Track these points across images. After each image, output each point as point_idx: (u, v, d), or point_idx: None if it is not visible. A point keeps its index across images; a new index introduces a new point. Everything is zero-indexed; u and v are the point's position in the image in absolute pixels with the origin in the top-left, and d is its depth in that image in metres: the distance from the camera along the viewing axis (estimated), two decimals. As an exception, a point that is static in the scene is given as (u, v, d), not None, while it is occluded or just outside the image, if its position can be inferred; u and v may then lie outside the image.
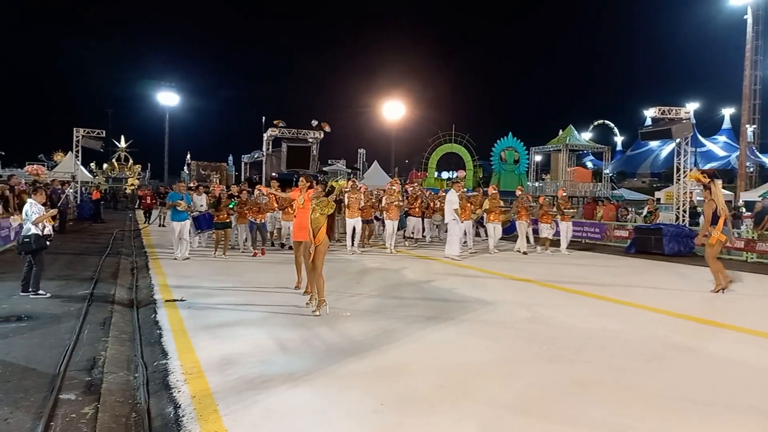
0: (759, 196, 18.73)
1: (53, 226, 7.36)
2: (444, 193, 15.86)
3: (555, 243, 14.16)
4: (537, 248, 13.70)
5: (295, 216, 7.89)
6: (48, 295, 6.76)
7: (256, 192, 12.19)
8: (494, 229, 13.36)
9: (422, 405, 3.65)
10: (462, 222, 12.06)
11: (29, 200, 7.01)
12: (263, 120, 31.47)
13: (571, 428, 3.36)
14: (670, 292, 8.39)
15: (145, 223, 19.28)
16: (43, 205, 7.08)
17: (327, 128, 24.90)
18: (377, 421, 3.40)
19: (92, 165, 46.25)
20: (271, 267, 10.19)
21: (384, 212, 13.23)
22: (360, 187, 13.91)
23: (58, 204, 15.58)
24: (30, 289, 6.75)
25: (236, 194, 11.99)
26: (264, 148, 26.17)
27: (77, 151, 23.18)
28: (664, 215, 18.58)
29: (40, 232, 6.82)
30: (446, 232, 15.85)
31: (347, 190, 12.17)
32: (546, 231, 13.73)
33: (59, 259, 10.32)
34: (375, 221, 14.67)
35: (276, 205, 12.02)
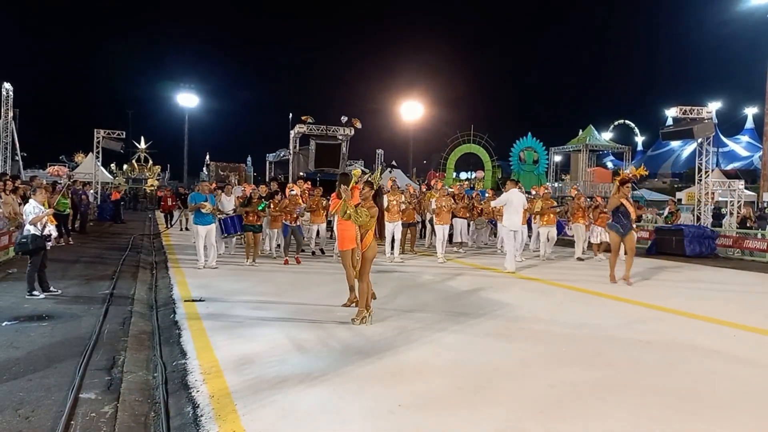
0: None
1: (56, 226, 7.28)
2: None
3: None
4: (597, 256, 12.41)
5: (338, 221, 7.11)
6: (42, 296, 6.73)
7: (288, 192, 11.23)
8: (548, 233, 12.27)
9: (440, 406, 3.61)
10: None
11: (30, 200, 6.97)
12: (290, 116, 30.73)
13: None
14: (693, 294, 8.22)
15: (166, 226, 18.70)
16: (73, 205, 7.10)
17: (358, 124, 24.02)
18: (394, 421, 3.37)
19: (112, 166, 47.00)
20: (292, 269, 10.12)
21: (434, 216, 11.75)
22: (405, 187, 12.94)
23: (78, 205, 15.85)
24: (27, 289, 6.74)
25: (263, 195, 10.89)
26: (291, 146, 25.15)
27: (98, 152, 23.57)
28: (686, 216, 18.26)
29: (38, 233, 6.75)
30: (494, 236, 14.78)
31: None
32: (600, 235, 12.38)
33: (80, 259, 10.50)
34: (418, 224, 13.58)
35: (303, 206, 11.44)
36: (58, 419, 3.30)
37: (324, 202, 11.47)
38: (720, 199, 19.89)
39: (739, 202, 17.34)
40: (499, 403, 3.69)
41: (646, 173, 10.45)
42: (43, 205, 7.00)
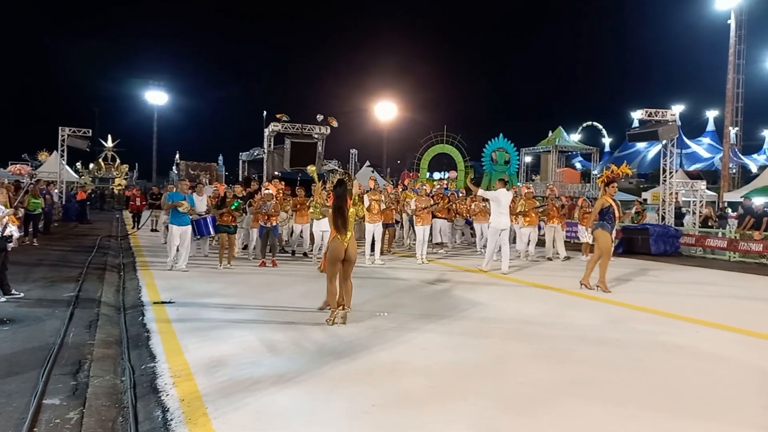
0: (741, 197, 19.00)
1: (18, 227, 7.02)
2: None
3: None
4: (579, 256, 12.33)
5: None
6: (3, 299, 6.49)
7: (264, 191, 10.82)
8: (530, 233, 12.10)
9: (414, 405, 3.63)
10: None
11: None
12: (264, 115, 30.10)
13: (563, 428, 3.36)
14: (660, 292, 8.44)
15: (134, 227, 18.09)
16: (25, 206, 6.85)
17: (334, 123, 23.54)
18: (368, 421, 3.37)
19: (78, 165, 45.71)
20: (265, 270, 9.95)
21: (414, 216, 11.53)
22: (383, 187, 12.65)
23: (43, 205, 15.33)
24: None
25: (239, 195, 10.46)
26: (265, 145, 24.34)
27: (63, 151, 22.89)
28: (651, 216, 18.77)
29: None
30: (473, 236, 14.44)
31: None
32: (586, 235, 12.25)
33: (44, 260, 10.18)
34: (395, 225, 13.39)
35: (288, 207, 11.21)
36: (20, 426, 3.19)
37: (309, 202, 11.28)
38: (683, 199, 20.53)
39: (701, 202, 17.93)
40: (472, 400, 3.73)
41: (631, 172, 9.79)
42: (5, 205, 6.75)
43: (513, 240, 12.95)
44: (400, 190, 14.52)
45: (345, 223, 5.73)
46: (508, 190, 10.32)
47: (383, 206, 11.37)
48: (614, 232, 8.43)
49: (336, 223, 5.72)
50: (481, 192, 10.99)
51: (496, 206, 9.84)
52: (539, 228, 13.18)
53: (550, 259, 12.28)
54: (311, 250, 11.59)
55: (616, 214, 8.25)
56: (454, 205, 13.92)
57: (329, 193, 6.02)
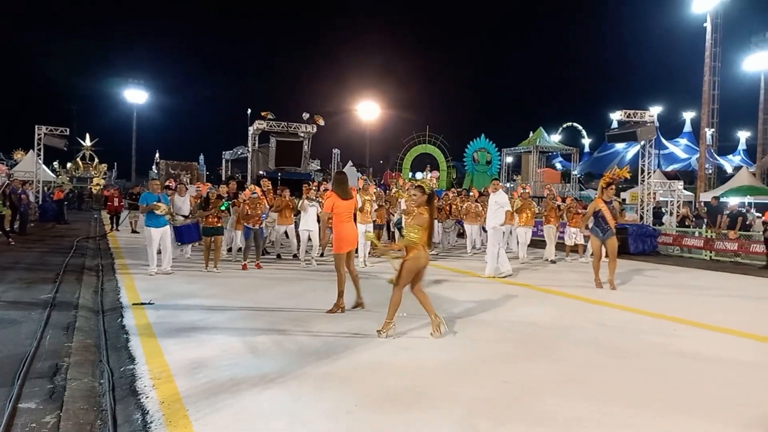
0: (712, 198, 19.43)
1: None
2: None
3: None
4: (567, 257, 12.44)
5: (333, 222, 6.59)
6: None
7: (249, 194, 10.28)
8: (525, 234, 11.96)
9: (397, 405, 3.64)
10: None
11: None
12: (248, 112, 29.63)
13: (547, 426, 3.39)
14: (640, 291, 8.58)
15: (111, 228, 17.74)
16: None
17: (321, 122, 23.10)
18: (351, 421, 3.37)
19: (55, 164, 44.83)
20: (246, 272, 9.77)
21: (402, 216, 10.96)
22: (369, 187, 12.70)
23: (18, 205, 15.04)
24: None
25: (224, 195, 10.16)
26: (249, 144, 23.80)
27: (39, 150, 22.44)
28: (630, 215, 19.05)
29: None
30: (462, 237, 14.37)
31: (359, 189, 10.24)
32: (573, 237, 12.41)
33: (20, 262, 9.98)
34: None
35: (269, 208, 11.03)
36: (-5, 431, 3.13)
37: (296, 203, 11.06)
38: (661, 199, 20.88)
39: (678, 202, 18.27)
40: (457, 400, 3.75)
41: (629, 175, 10.00)
42: None
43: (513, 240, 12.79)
44: (393, 190, 14.37)
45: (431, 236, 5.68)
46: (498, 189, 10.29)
47: (375, 206, 11.16)
48: (613, 234, 8.57)
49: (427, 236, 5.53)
50: (500, 203, 10.09)
51: (500, 206, 9.62)
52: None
53: (550, 261, 11.99)
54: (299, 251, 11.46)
55: (608, 217, 8.49)
56: (446, 206, 13.81)
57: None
